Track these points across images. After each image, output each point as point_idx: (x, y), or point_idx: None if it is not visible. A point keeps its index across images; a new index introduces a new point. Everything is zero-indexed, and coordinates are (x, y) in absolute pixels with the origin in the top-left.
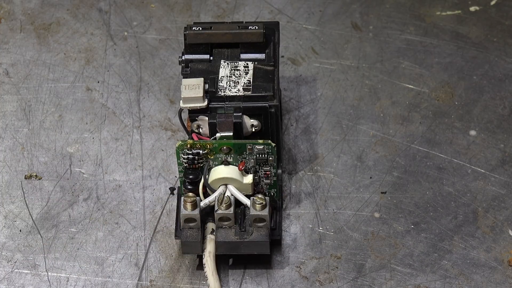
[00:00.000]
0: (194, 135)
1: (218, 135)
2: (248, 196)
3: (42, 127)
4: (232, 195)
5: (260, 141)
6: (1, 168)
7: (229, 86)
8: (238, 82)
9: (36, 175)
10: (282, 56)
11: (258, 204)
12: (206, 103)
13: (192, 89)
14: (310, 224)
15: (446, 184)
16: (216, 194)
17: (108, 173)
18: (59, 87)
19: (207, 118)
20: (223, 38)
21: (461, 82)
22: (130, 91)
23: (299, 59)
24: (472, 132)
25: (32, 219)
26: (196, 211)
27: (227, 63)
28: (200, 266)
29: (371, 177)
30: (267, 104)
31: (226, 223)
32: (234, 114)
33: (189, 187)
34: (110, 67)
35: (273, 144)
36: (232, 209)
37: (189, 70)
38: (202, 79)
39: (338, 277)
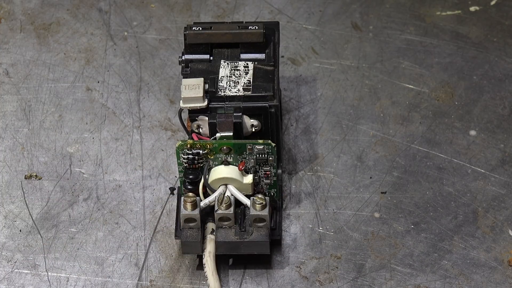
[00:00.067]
0: (194, 135)
1: (218, 135)
2: (248, 196)
3: (42, 127)
4: (232, 195)
5: (260, 141)
6: (1, 168)
7: (229, 86)
8: (238, 82)
9: (36, 175)
10: (282, 56)
11: (258, 204)
12: (206, 103)
13: (192, 89)
14: (310, 224)
15: (446, 184)
16: (216, 194)
17: (108, 173)
18: (59, 87)
19: (207, 118)
20: (223, 38)
21: (461, 82)
22: (130, 91)
23: (299, 59)
24: (472, 132)
25: (32, 219)
26: (196, 211)
27: (227, 63)
28: (200, 266)
29: (371, 177)
30: (267, 104)
31: (226, 223)
32: (234, 114)
33: (189, 187)
34: (110, 67)
35: (273, 144)
36: (232, 209)
37: (189, 70)
38: (202, 79)
39: (338, 277)
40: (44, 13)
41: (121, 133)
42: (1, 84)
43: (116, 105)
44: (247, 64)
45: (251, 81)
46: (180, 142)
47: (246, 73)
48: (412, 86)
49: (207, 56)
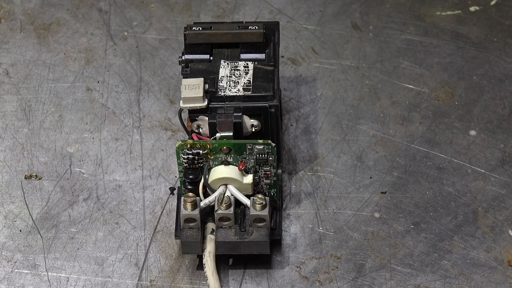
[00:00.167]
0: (194, 135)
1: (218, 135)
2: (248, 196)
3: (42, 127)
4: (232, 195)
5: (260, 141)
6: (1, 168)
7: (229, 86)
8: (238, 82)
9: (36, 175)
10: (282, 56)
11: (258, 204)
12: (206, 103)
13: (192, 89)
14: (310, 224)
15: (446, 184)
16: (216, 194)
17: (108, 173)
18: (59, 87)
19: (207, 118)
20: (223, 38)
21: (461, 82)
22: (130, 91)
23: (299, 59)
24: (472, 132)
25: (32, 219)
26: (196, 211)
27: (227, 63)
28: (200, 266)
29: (371, 177)
30: (267, 104)
31: (226, 223)
32: (234, 114)
33: (189, 187)
34: (110, 67)
35: (273, 144)
36: (232, 209)
37: (189, 70)
38: (202, 79)
39: (338, 277)
40: (44, 13)
41: (121, 133)
42: (1, 84)
43: (116, 105)
44: (247, 64)
45: (251, 81)
46: (180, 142)
47: (246, 73)
48: (412, 86)
49: (207, 56)
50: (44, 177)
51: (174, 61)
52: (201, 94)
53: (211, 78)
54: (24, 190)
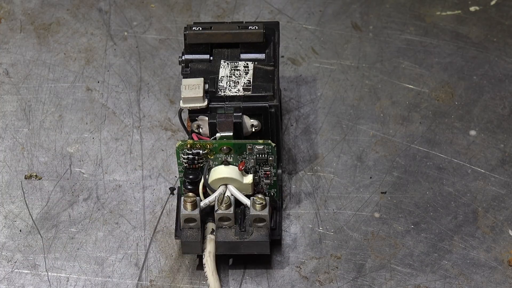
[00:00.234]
0: (194, 135)
1: (218, 135)
2: (248, 196)
3: (42, 127)
4: (232, 195)
5: (260, 141)
6: (1, 168)
7: (229, 86)
8: (238, 82)
9: (36, 175)
10: (282, 56)
11: (258, 204)
12: (206, 103)
13: (192, 89)
14: (310, 224)
15: (446, 184)
16: (216, 194)
17: (108, 173)
18: (59, 87)
19: (207, 118)
20: (223, 38)
21: (461, 82)
22: (130, 91)
23: (299, 59)
24: (472, 132)
25: (32, 219)
26: (196, 211)
27: (227, 63)
28: (200, 266)
29: (371, 177)
30: (267, 104)
31: (226, 223)
32: (234, 114)
33: (189, 187)
34: (110, 67)
35: (273, 144)
36: (232, 209)
37: (189, 70)
38: (202, 79)
39: (338, 277)
40: (44, 13)
41: (121, 133)
42: (1, 84)
43: (116, 105)
44: (247, 64)
45: (251, 81)
46: (180, 142)
47: (246, 73)
48: (412, 86)
49: (207, 56)
50: (44, 177)
51: (174, 61)
52: (201, 94)
53: (211, 78)
54: (24, 190)
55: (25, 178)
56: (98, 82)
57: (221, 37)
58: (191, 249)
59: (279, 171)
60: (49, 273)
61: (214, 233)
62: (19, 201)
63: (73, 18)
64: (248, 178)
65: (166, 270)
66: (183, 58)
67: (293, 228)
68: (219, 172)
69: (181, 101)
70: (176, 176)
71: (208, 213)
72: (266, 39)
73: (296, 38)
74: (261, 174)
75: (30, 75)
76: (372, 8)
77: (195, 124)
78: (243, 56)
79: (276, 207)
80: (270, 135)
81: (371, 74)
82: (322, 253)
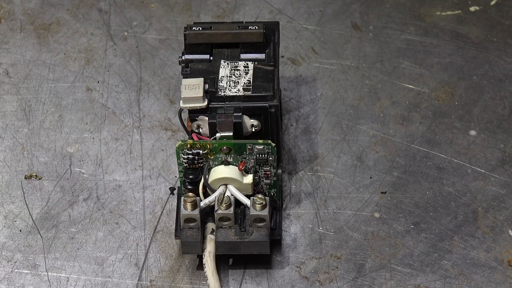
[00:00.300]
0: (194, 135)
1: (218, 135)
2: (248, 196)
3: (42, 127)
4: (232, 195)
5: (260, 141)
6: (1, 168)
7: (229, 86)
8: (238, 82)
9: (36, 175)
10: (282, 56)
11: (258, 204)
12: (206, 103)
13: (192, 89)
14: (310, 224)
15: (446, 184)
16: (216, 194)
17: (108, 173)
18: (59, 87)
19: (207, 118)
20: (223, 38)
21: (461, 82)
22: (130, 91)
23: (299, 59)
24: (472, 132)
25: (32, 219)
26: (196, 211)
27: (227, 63)
28: (200, 266)
29: (371, 177)
30: (267, 104)
31: (226, 223)
32: (234, 114)
33: (189, 187)
34: (110, 67)
35: (273, 144)
36: (232, 209)
37: (189, 70)
38: (202, 79)
39: (338, 277)
40: (44, 13)
41: (121, 133)
42: (1, 84)
43: (116, 105)
44: (247, 64)
45: (251, 81)
46: (180, 142)
47: (246, 73)
48: (412, 86)
49: (207, 56)
50: (44, 177)
51: (174, 61)
52: (201, 94)
53: (211, 78)
54: (24, 190)
55: (25, 178)
56: (98, 82)
57: (221, 37)
58: (191, 249)
59: (279, 171)
60: (49, 273)
61: (214, 233)
62: (19, 201)
63: (73, 18)
64: (248, 178)
65: (166, 270)
66: (183, 58)
67: (293, 228)
68: (219, 172)
69: (181, 101)
70: (176, 176)
71: (208, 213)
72: (266, 39)
73: (296, 38)
74: (261, 174)
75: (30, 75)
76: (372, 8)
77: (195, 124)
78: (243, 56)
79: (276, 207)
80: (270, 135)
81: (371, 74)
82: (322, 253)
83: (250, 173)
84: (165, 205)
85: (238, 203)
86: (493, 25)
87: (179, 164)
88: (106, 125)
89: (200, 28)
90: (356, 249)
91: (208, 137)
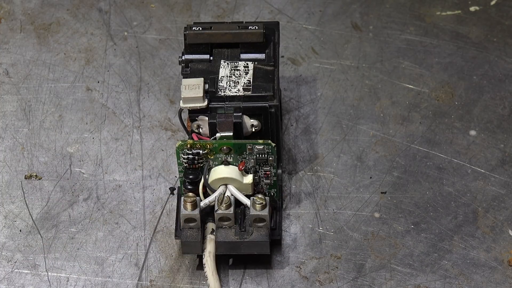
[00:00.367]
0: (194, 135)
1: (218, 135)
2: (248, 196)
3: (42, 127)
4: (232, 195)
5: (260, 141)
6: (1, 168)
7: (229, 86)
8: (238, 82)
9: (36, 175)
10: (282, 56)
11: (258, 204)
12: (206, 103)
13: (192, 89)
14: (310, 224)
15: (446, 184)
16: (216, 194)
17: (108, 173)
18: (59, 87)
19: (207, 118)
20: (223, 38)
21: (461, 82)
22: (130, 91)
23: (299, 59)
24: (472, 132)
25: (32, 219)
26: (196, 211)
27: (227, 63)
28: (200, 266)
29: (371, 177)
30: (267, 104)
31: (226, 223)
32: (234, 114)
33: (189, 187)
34: (110, 67)
35: (273, 144)
36: (232, 209)
37: (189, 70)
38: (202, 79)
39: (338, 277)
40: (44, 13)
41: (121, 133)
42: (1, 84)
43: (116, 105)
44: (247, 64)
45: (251, 81)
46: (180, 142)
47: (246, 73)
48: (412, 86)
49: (207, 56)
50: (44, 177)
51: (174, 61)
52: (201, 94)
53: (211, 78)
54: (24, 190)
55: (25, 178)
56: (98, 82)
57: (221, 37)
58: (191, 249)
59: (279, 171)
60: (49, 273)
61: (214, 233)
62: (19, 201)
63: (73, 18)
64: (248, 178)
65: (166, 270)
66: (183, 58)
67: (293, 228)
68: (219, 172)
69: (181, 101)
70: (176, 176)
71: (208, 213)
72: (266, 39)
73: (296, 38)
74: (261, 174)
75: (30, 75)
76: (372, 8)
77: (195, 124)
78: (243, 56)
79: (276, 207)
80: (270, 135)
81: (371, 74)
82: (322, 253)
83: (250, 173)
84: (165, 205)
85: (238, 203)
86: (493, 25)
87: (179, 164)
88: (106, 125)
89: (200, 28)
90: (356, 249)
91: (208, 137)
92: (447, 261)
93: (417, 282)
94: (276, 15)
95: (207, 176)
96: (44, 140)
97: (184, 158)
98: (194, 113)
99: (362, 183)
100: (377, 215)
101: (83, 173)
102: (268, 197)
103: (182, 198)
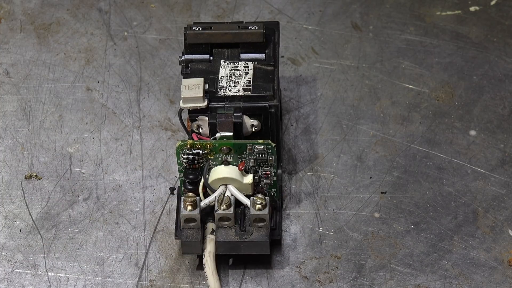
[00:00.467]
0: (194, 135)
1: (218, 135)
2: (248, 196)
3: (42, 127)
4: (232, 195)
5: (260, 141)
6: (1, 168)
7: (229, 86)
8: (238, 82)
9: (36, 175)
10: (282, 56)
11: (258, 204)
12: (206, 103)
13: (192, 89)
14: (310, 224)
15: (446, 184)
16: (216, 194)
17: (108, 173)
18: (59, 87)
19: (207, 118)
20: (223, 38)
21: (461, 82)
22: (130, 91)
23: (299, 59)
24: (472, 132)
25: (32, 219)
26: (196, 211)
27: (227, 63)
28: (200, 266)
29: (371, 177)
30: (267, 104)
31: (226, 223)
32: (234, 114)
33: (189, 187)
34: (110, 67)
35: (273, 144)
36: (232, 209)
37: (189, 70)
38: (202, 79)
39: (338, 277)
40: (44, 13)
41: (121, 133)
42: (1, 84)
43: (116, 105)
44: (247, 64)
45: (251, 81)
46: (180, 142)
47: (246, 73)
48: (412, 86)
49: (207, 56)
50: (44, 177)
51: (174, 61)
52: (201, 94)
53: (211, 78)
54: (24, 190)
55: (25, 178)
56: (98, 82)
57: (221, 37)
58: (191, 249)
59: (279, 171)
60: (49, 273)
61: (214, 233)
62: (19, 201)
63: (73, 18)
64: (248, 178)
65: (166, 270)
66: (183, 58)
67: (293, 228)
68: (219, 172)
69: (181, 101)
70: (176, 176)
71: (208, 213)
72: (266, 39)
73: (296, 38)
74: (261, 174)
75: (30, 75)
76: (372, 8)
77: (195, 124)
78: (243, 56)
79: (276, 207)
80: (270, 135)
81: (371, 74)
82: (322, 253)
83: (250, 173)
84: (165, 205)
85: (238, 203)
86: (493, 25)
87: (179, 164)
88: (106, 125)
89: (200, 28)
90: (356, 249)
91: (208, 137)
92: (447, 261)
93: (417, 282)
94: (276, 15)
95: (207, 176)
96: (44, 140)
97: (184, 158)
98: (194, 113)
99: (362, 183)
100: (377, 215)
101: (83, 173)
102: (268, 197)
103: (182, 198)
